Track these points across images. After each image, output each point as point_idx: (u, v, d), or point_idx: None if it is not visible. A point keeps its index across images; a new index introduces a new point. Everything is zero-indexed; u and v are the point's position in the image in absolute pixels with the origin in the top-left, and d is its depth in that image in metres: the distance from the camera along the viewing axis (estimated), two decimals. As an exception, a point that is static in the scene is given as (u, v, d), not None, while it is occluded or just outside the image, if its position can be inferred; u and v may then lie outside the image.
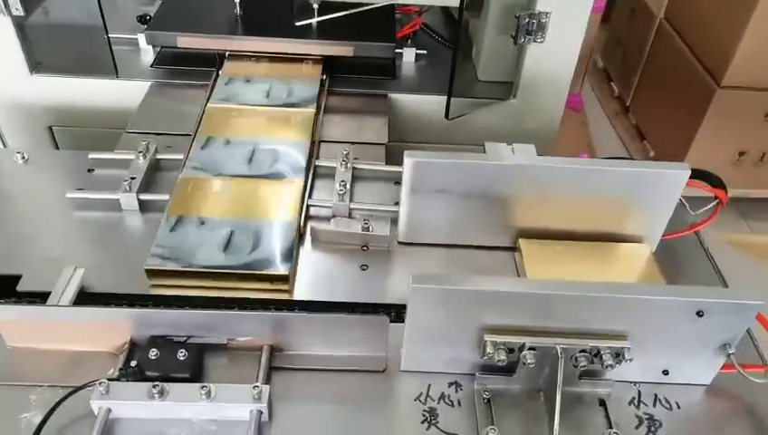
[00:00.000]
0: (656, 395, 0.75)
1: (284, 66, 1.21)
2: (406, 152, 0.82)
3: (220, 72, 1.19)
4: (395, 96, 1.23)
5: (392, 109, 1.24)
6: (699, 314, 0.68)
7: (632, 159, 0.90)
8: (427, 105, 1.24)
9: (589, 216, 0.87)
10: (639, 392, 0.75)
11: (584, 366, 0.70)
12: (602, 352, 0.69)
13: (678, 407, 0.74)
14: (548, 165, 0.83)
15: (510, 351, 0.70)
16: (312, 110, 1.11)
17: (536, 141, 1.29)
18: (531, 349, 0.69)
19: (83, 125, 1.26)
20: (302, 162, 0.99)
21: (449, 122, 1.23)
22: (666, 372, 0.74)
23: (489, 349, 0.69)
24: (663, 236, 0.89)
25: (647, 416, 0.72)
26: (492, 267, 0.88)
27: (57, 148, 1.30)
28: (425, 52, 1.35)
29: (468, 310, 0.68)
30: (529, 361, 0.69)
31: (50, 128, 1.28)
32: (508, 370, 0.72)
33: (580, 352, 0.69)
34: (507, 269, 0.88)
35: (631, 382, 0.75)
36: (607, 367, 0.70)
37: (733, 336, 0.70)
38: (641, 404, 0.74)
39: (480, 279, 0.68)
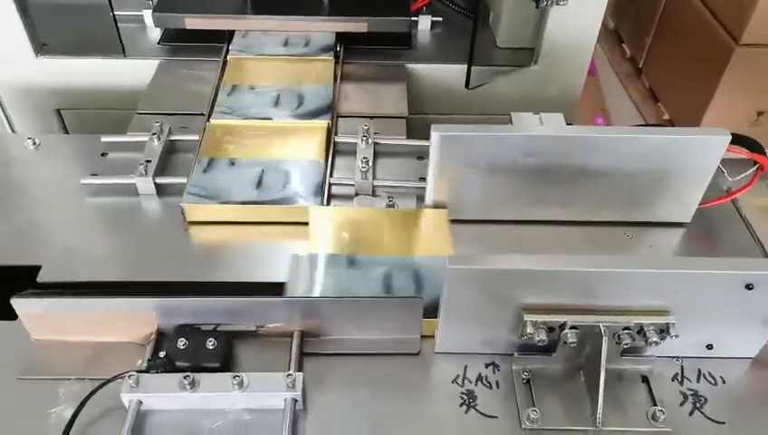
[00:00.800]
0: (699, 370, 0.72)
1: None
2: (433, 126, 0.79)
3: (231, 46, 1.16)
4: (412, 66, 1.19)
5: (409, 80, 1.19)
6: (749, 287, 0.65)
7: (658, 125, 0.85)
8: (445, 74, 1.20)
9: (622, 186, 0.84)
10: (683, 368, 0.72)
11: (627, 344, 0.67)
12: (646, 329, 0.67)
13: (723, 382, 0.71)
14: (584, 135, 0.79)
15: (550, 330, 0.67)
16: (330, 57, 1.13)
17: (558, 109, 1.26)
18: (572, 328, 0.67)
19: (92, 107, 1.23)
20: (326, 105, 1.02)
21: (469, 92, 1.19)
22: (710, 347, 0.72)
23: (529, 329, 0.66)
24: (699, 205, 0.86)
25: (691, 392, 0.70)
26: (529, 243, 0.85)
27: (66, 131, 1.27)
28: (440, 19, 1.30)
29: (506, 290, 0.65)
30: (570, 340, 0.67)
31: (58, 111, 1.25)
32: (547, 349, 0.69)
33: (624, 329, 0.67)
34: (542, 245, 0.85)
35: (674, 357, 0.73)
36: (651, 344, 0.67)
37: (781, 309, 0.68)
38: (685, 380, 0.71)
39: (516, 258, 0.65)
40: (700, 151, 0.80)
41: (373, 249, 0.80)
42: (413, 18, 1.25)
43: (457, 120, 1.23)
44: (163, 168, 0.93)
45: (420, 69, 1.19)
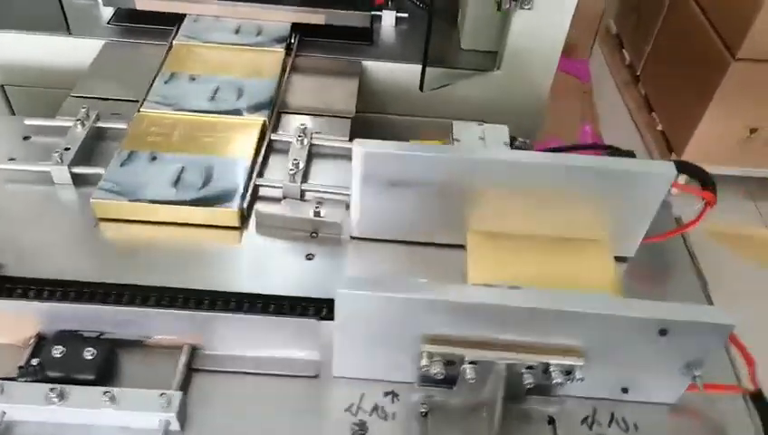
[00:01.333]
0: (613, 414, 0.68)
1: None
2: (356, 141, 0.74)
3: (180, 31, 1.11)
4: (369, 63, 1.13)
5: (366, 78, 1.14)
6: (662, 332, 0.60)
7: (617, 151, 0.80)
8: (405, 74, 1.15)
9: (560, 214, 0.79)
10: (595, 410, 0.68)
11: (530, 384, 0.63)
12: (552, 369, 0.63)
13: (636, 428, 0.67)
14: (516, 159, 0.74)
15: (450, 363, 0.63)
16: (281, 50, 1.09)
17: (523, 116, 1.21)
18: (472, 363, 0.62)
19: (37, 85, 1.18)
20: (267, 100, 0.97)
21: (429, 94, 1.14)
22: (625, 390, 0.67)
23: (424, 361, 0.62)
24: (645, 238, 0.81)
25: (600, 438, 0.66)
26: (451, 268, 0.80)
27: (11, 109, 1.23)
28: (406, 15, 1.25)
29: (404, 317, 0.61)
30: (469, 375, 0.62)
31: (2, 87, 1.20)
32: (450, 381, 0.65)
33: (527, 368, 0.62)
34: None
35: (587, 398, 0.69)
36: (555, 385, 0.63)
37: (700, 357, 0.63)
38: (595, 424, 0.67)
39: (417, 285, 0.61)
40: (643, 185, 0.75)
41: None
42: (376, 13, 1.20)
43: (416, 122, 1.19)
44: (85, 156, 0.88)
45: (379, 67, 1.14)
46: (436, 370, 0.62)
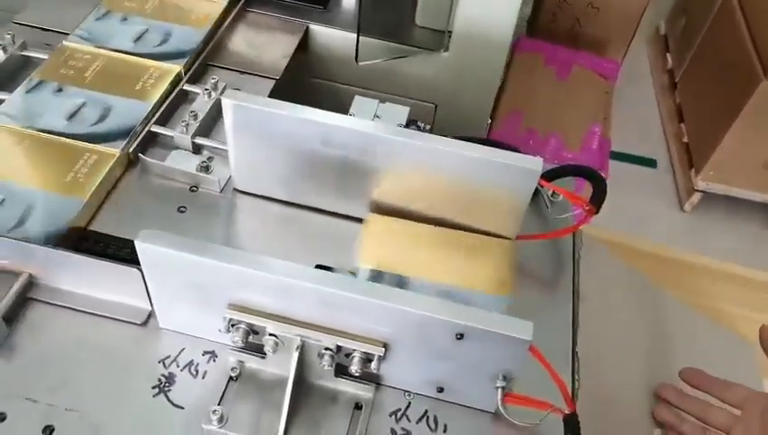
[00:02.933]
0: (426, 411, 0.66)
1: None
2: (227, 92, 0.73)
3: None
4: (318, 29, 1.11)
5: (315, 43, 1.13)
6: (459, 336, 0.58)
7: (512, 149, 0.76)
8: (353, 44, 1.12)
9: (454, 202, 0.77)
10: (409, 404, 0.67)
11: (328, 366, 0.62)
12: (353, 355, 0.62)
13: (445, 429, 0.65)
14: (380, 134, 0.72)
15: (254, 332, 0.63)
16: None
17: (472, 102, 1.18)
18: (272, 335, 0.62)
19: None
20: (190, 49, 0.97)
21: (376, 68, 1.12)
22: (440, 390, 0.66)
23: (224, 325, 0.62)
24: (517, 237, 0.78)
25: (402, 432, 0.64)
26: (330, 239, 0.79)
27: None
28: (372, -18, 1.21)
29: (205, 280, 0.61)
30: (267, 347, 0.62)
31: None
32: (261, 351, 0.65)
33: (326, 349, 0.62)
34: (346, 242, 0.78)
35: (405, 391, 0.67)
36: (355, 371, 0.62)
37: (508, 368, 0.61)
38: (404, 418, 0.66)
39: (218, 249, 0.60)
40: (509, 179, 0.72)
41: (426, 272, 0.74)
42: (337, -24, 1.17)
43: (362, 93, 1.17)
44: (1, 83, 0.90)
45: (327, 33, 1.12)
46: (237, 337, 0.62)
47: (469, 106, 1.17)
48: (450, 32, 1.08)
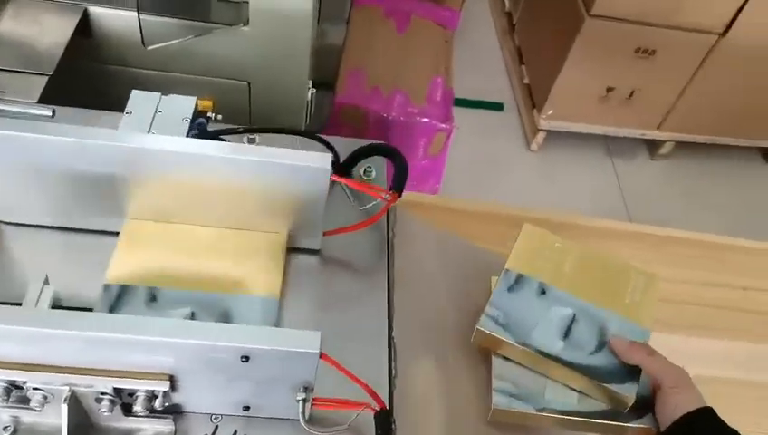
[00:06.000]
0: (235, 432, 0.62)
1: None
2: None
3: None
4: (99, 11, 1.00)
5: (100, 27, 1.01)
6: (244, 359, 0.54)
7: (298, 133, 0.71)
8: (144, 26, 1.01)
9: (229, 206, 0.71)
10: (217, 428, 0.62)
11: (108, 411, 0.56)
12: (136, 395, 0.56)
13: (257, 446, 0.62)
14: (139, 146, 0.64)
15: (17, 387, 0.55)
16: None
17: (285, 75, 1.11)
18: (36, 389, 0.54)
19: None
20: None
21: (172, 49, 1.02)
22: (246, 408, 0.62)
23: (-20, 386, 0.54)
24: (324, 233, 0.74)
25: (212, 458, 0.60)
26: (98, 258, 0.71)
27: None
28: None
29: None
30: (34, 402, 0.55)
31: None
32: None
33: (102, 394, 0.55)
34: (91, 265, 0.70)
35: (212, 415, 0.63)
36: (141, 412, 0.56)
37: (304, 378, 0.57)
38: (212, 443, 0.61)
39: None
40: (301, 180, 0.67)
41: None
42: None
43: (162, 77, 1.07)
44: None
45: (110, 15, 1.00)
46: (-6, 395, 0.54)
47: (284, 80, 1.10)
48: (247, 2, 1.00)
